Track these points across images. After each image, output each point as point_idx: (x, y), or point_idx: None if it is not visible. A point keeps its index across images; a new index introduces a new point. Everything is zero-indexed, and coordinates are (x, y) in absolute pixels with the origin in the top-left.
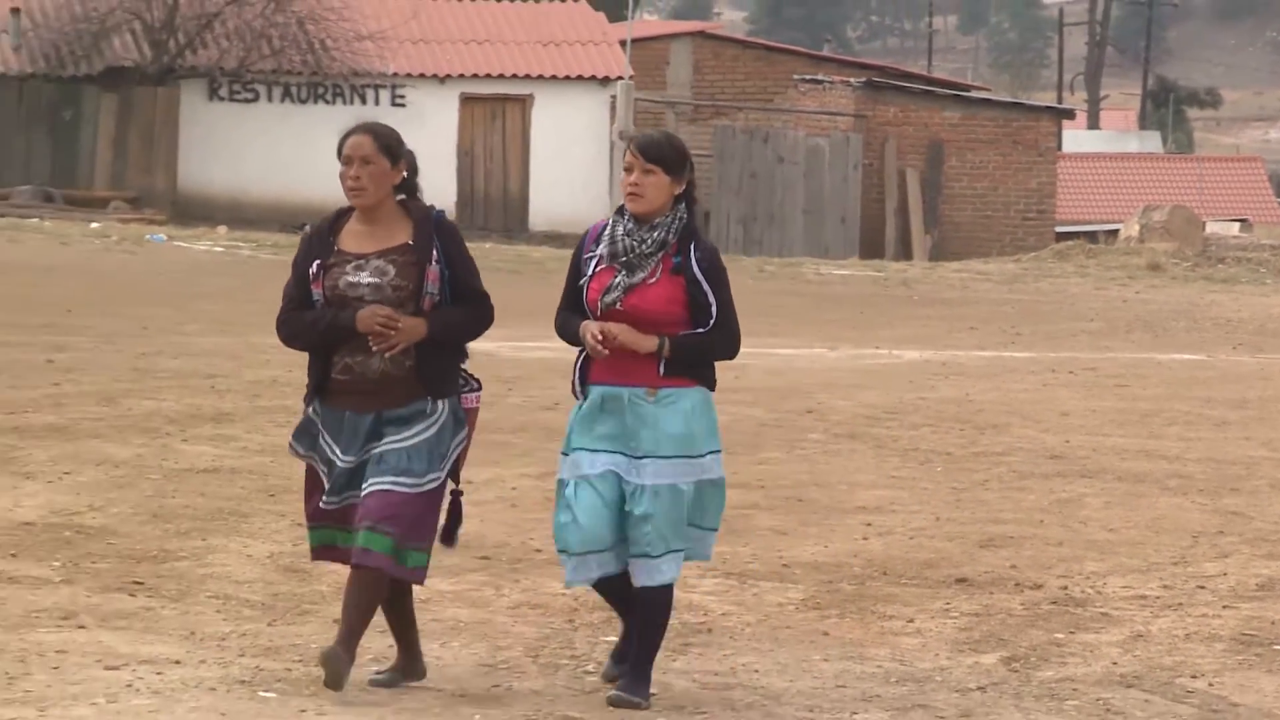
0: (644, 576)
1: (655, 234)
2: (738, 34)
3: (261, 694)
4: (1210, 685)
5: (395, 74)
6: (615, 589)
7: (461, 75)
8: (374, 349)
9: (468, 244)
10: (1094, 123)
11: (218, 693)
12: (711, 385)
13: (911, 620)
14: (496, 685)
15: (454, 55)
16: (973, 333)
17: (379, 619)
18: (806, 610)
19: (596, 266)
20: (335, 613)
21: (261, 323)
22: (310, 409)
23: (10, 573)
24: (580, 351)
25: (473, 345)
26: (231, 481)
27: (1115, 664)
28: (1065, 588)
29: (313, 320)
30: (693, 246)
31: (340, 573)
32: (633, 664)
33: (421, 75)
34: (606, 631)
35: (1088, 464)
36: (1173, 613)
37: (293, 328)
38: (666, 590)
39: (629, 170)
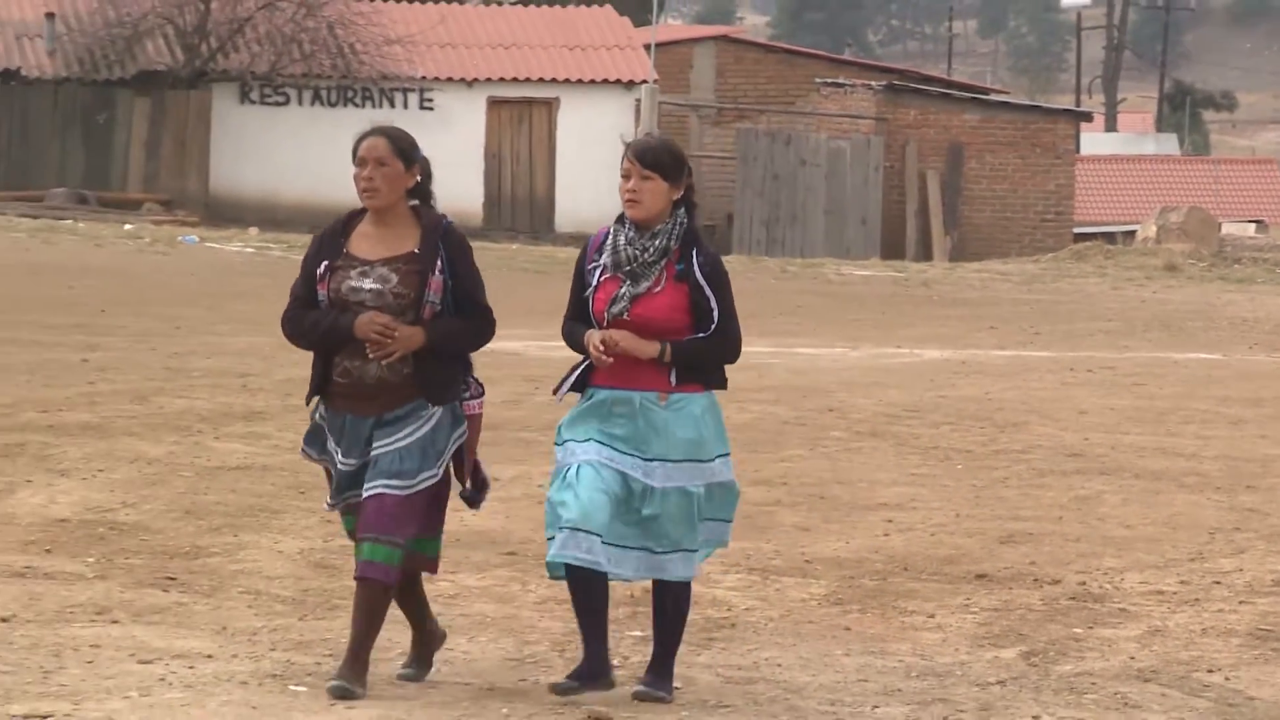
0: (656, 572)
1: (657, 241)
2: (760, 38)
3: (292, 688)
4: (1227, 679)
5: (423, 78)
6: (588, 592)
7: (489, 79)
8: (371, 356)
9: (495, 245)
10: (1111, 125)
11: (249, 686)
12: (722, 385)
13: (932, 615)
14: (523, 679)
15: (481, 59)
16: (992, 332)
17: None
18: (828, 605)
19: (601, 276)
20: None
21: None
22: (316, 414)
23: (45, 568)
24: (583, 358)
25: (499, 345)
26: (263, 479)
27: (1133, 658)
28: (1084, 583)
29: (314, 321)
30: (695, 252)
31: None
32: (656, 659)
33: (449, 79)
34: (631, 626)
35: (1106, 461)
36: (1189, 608)
37: (295, 326)
38: (684, 587)
39: (627, 177)
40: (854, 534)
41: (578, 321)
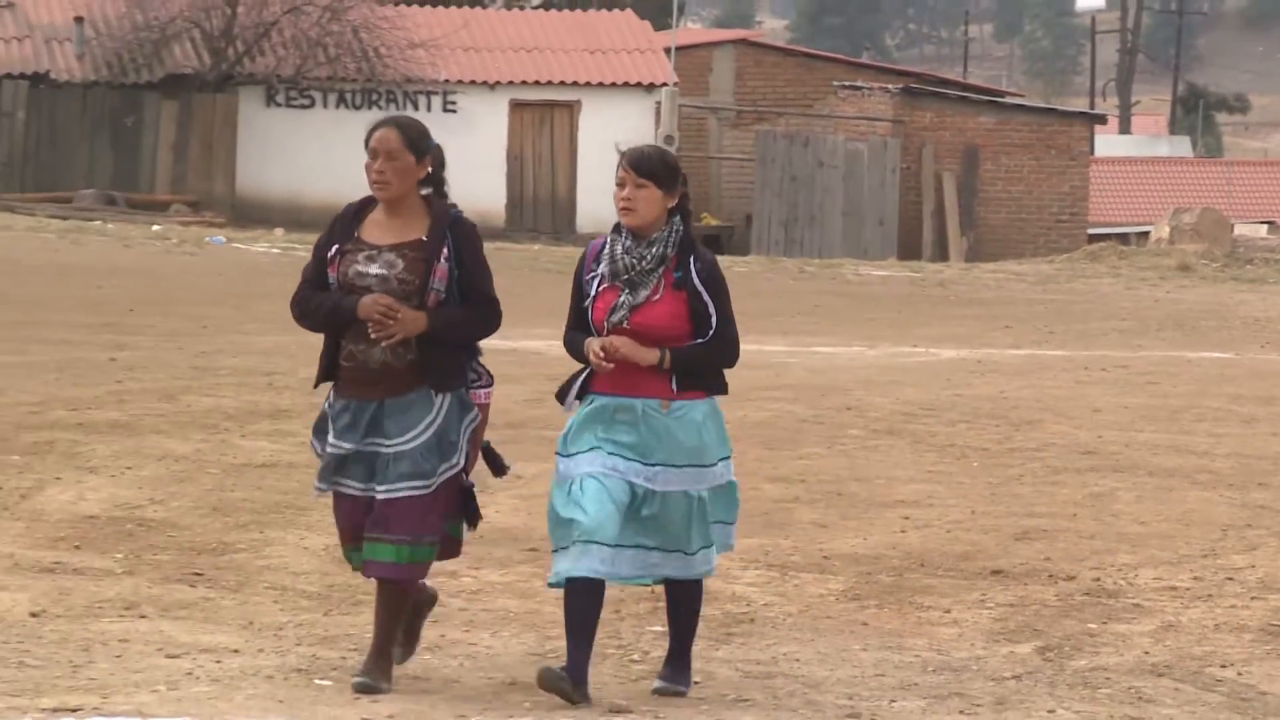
0: (653, 570)
1: (654, 249)
2: (779, 42)
3: (317, 682)
4: (1239, 674)
5: (447, 81)
6: (585, 603)
7: (511, 82)
8: (372, 337)
9: (517, 245)
10: (1125, 128)
11: (275, 680)
12: (723, 390)
13: (948, 611)
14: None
15: (504, 63)
16: (1008, 331)
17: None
18: (846, 601)
19: (599, 286)
20: None
21: None
22: (325, 403)
23: (75, 564)
24: (584, 366)
25: (523, 345)
26: (288, 476)
27: (1147, 653)
28: (1098, 579)
29: (319, 302)
30: (692, 259)
31: None
32: (672, 654)
33: (472, 82)
34: (652, 621)
35: (1120, 459)
36: (1202, 604)
37: (302, 307)
38: (694, 584)
39: (621, 185)
40: (871, 530)
41: (578, 331)
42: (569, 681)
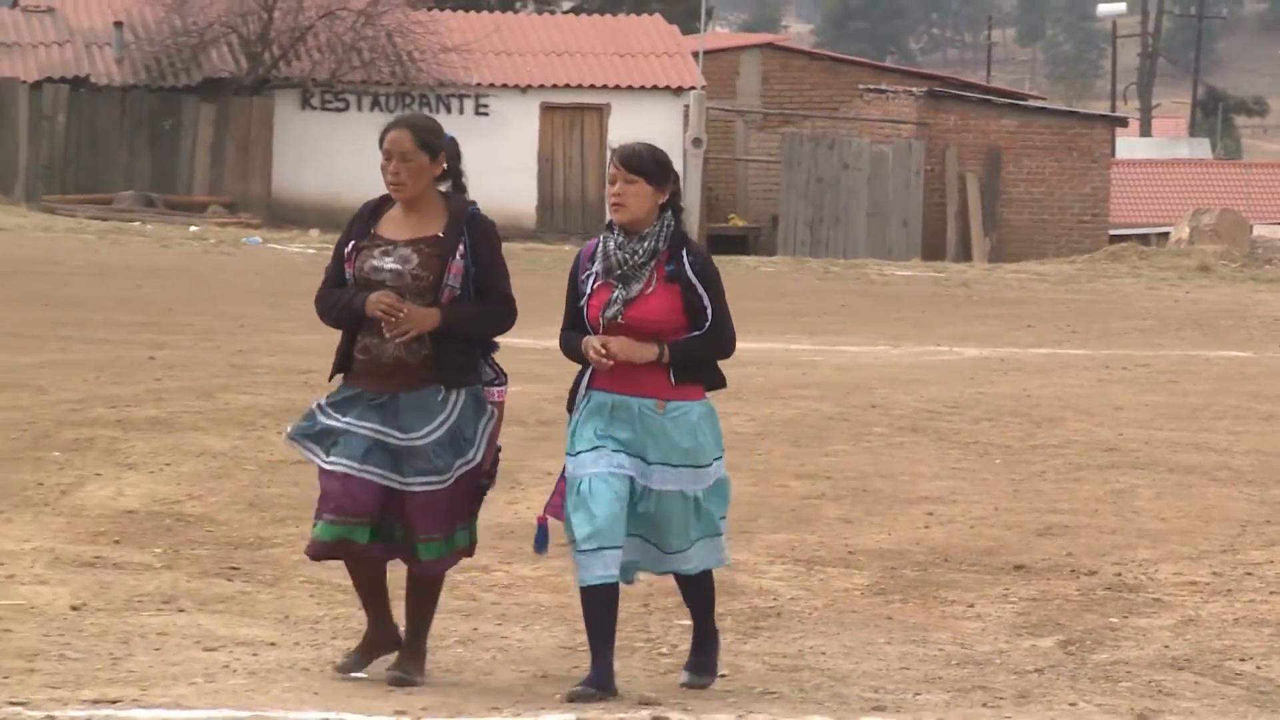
0: (654, 562)
1: (645, 244)
2: (805, 46)
3: (353, 675)
4: (1258, 668)
5: (479, 84)
6: (602, 605)
7: (542, 86)
8: (386, 335)
9: (548, 246)
10: (1146, 130)
11: (311, 673)
12: (721, 384)
13: (972, 605)
14: (576, 667)
15: (535, 66)
16: (1030, 331)
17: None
18: (871, 595)
19: (594, 284)
20: None
21: None
22: (320, 401)
23: (114, 559)
24: (583, 368)
25: (553, 343)
26: None
27: (1167, 647)
28: (1119, 574)
29: (335, 299)
30: (684, 252)
31: None
32: (694, 648)
33: (504, 85)
34: (680, 615)
35: (1140, 456)
36: (1222, 598)
37: (322, 304)
38: (704, 575)
39: (612, 182)
40: (896, 526)
41: (574, 331)
42: (592, 690)
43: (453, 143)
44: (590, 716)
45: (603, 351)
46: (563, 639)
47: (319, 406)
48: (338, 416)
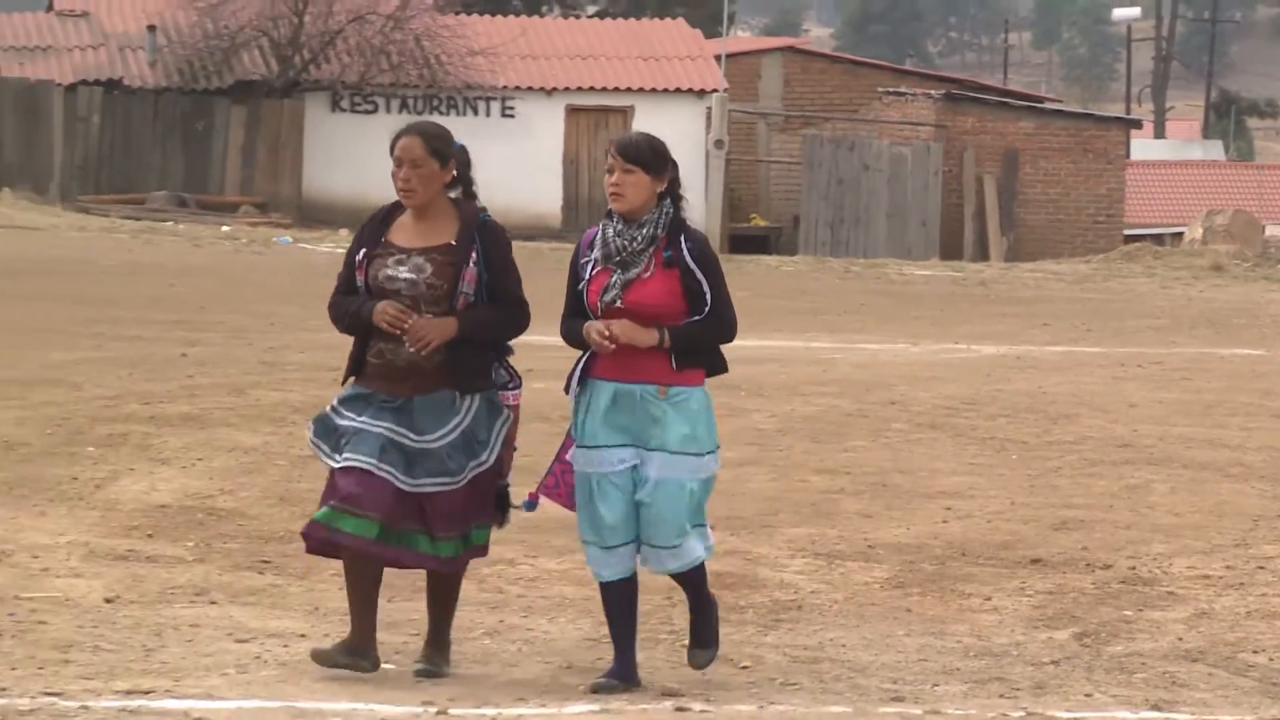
0: (656, 564)
1: (644, 230)
2: (825, 49)
3: (382, 665)
4: (1270, 660)
5: (505, 87)
6: (620, 600)
7: (567, 88)
8: (409, 348)
9: (572, 245)
10: (1160, 132)
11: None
12: (723, 369)
13: (989, 598)
14: (600, 658)
15: (560, 70)
16: (1046, 329)
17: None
18: (890, 589)
19: (593, 270)
20: None
21: None
22: (332, 403)
23: (147, 552)
24: (583, 353)
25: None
26: None
27: (1181, 640)
28: (1134, 568)
29: (346, 307)
30: (683, 238)
31: None
32: (691, 627)
33: (530, 88)
34: None
35: (1154, 452)
36: (1235, 592)
37: (334, 312)
38: (696, 571)
39: (610, 171)
40: (914, 521)
41: (575, 319)
42: (616, 681)
43: (463, 150)
44: (614, 707)
45: (605, 334)
46: (587, 631)
47: (333, 409)
48: (352, 416)
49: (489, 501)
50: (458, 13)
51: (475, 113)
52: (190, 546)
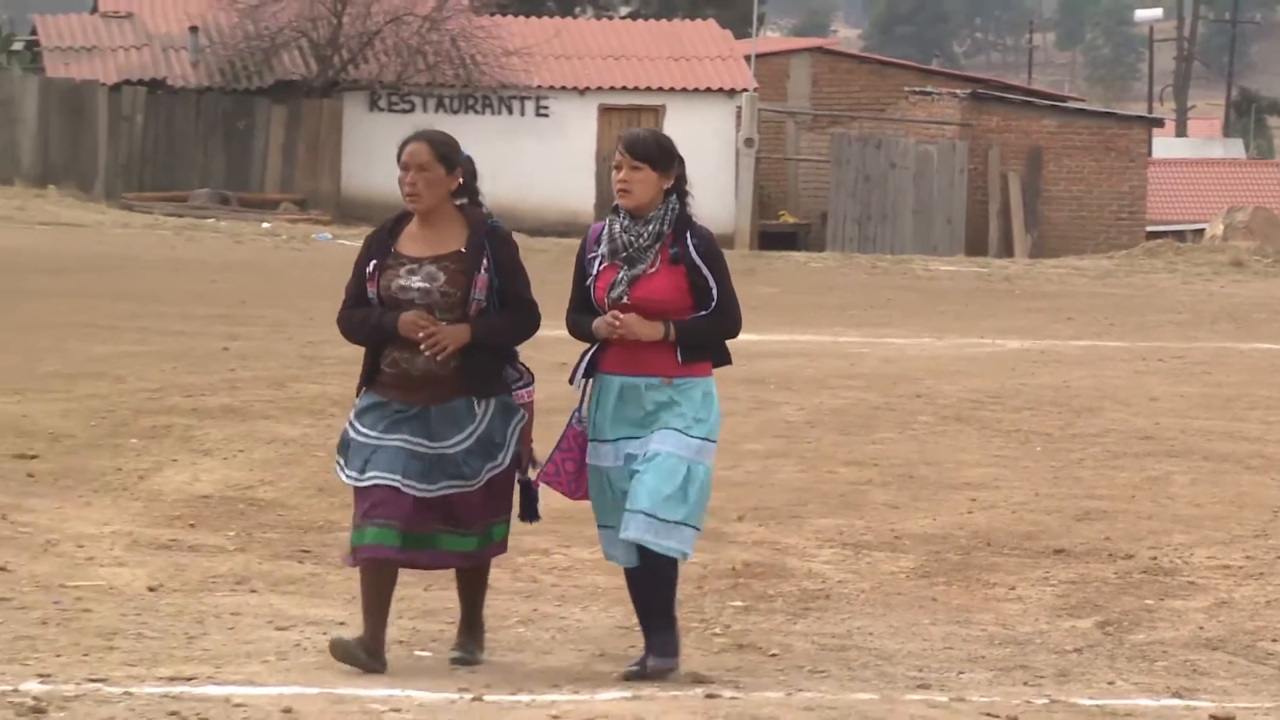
0: (634, 530)
1: (650, 227)
2: (853, 50)
3: (417, 652)
4: None
5: (539, 86)
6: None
7: (600, 88)
8: (426, 353)
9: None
10: (1182, 131)
11: None
12: (728, 361)
13: (1013, 588)
14: (632, 646)
15: (593, 69)
16: (1069, 324)
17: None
18: (916, 578)
19: (599, 266)
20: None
21: None
22: (351, 417)
23: (190, 542)
24: (589, 346)
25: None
26: None
27: (1201, 628)
28: (1155, 558)
29: (362, 319)
30: (689, 234)
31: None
32: (654, 633)
33: (563, 88)
34: (733, 597)
35: (1175, 444)
36: (1254, 581)
37: (347, 325)
38: (669, 566)
39: (618, 168)
40: (940, 511)
41: (581, 313)
42: (666, 668)
43: (469, 160)
44: (646, 694)
45: (616, 322)
46: (619, 619)
47: (351, 426)
48: (368, 433)
49: (507, 500)
50: (493, 14)
51: (510, 112)
52: (231, 536)
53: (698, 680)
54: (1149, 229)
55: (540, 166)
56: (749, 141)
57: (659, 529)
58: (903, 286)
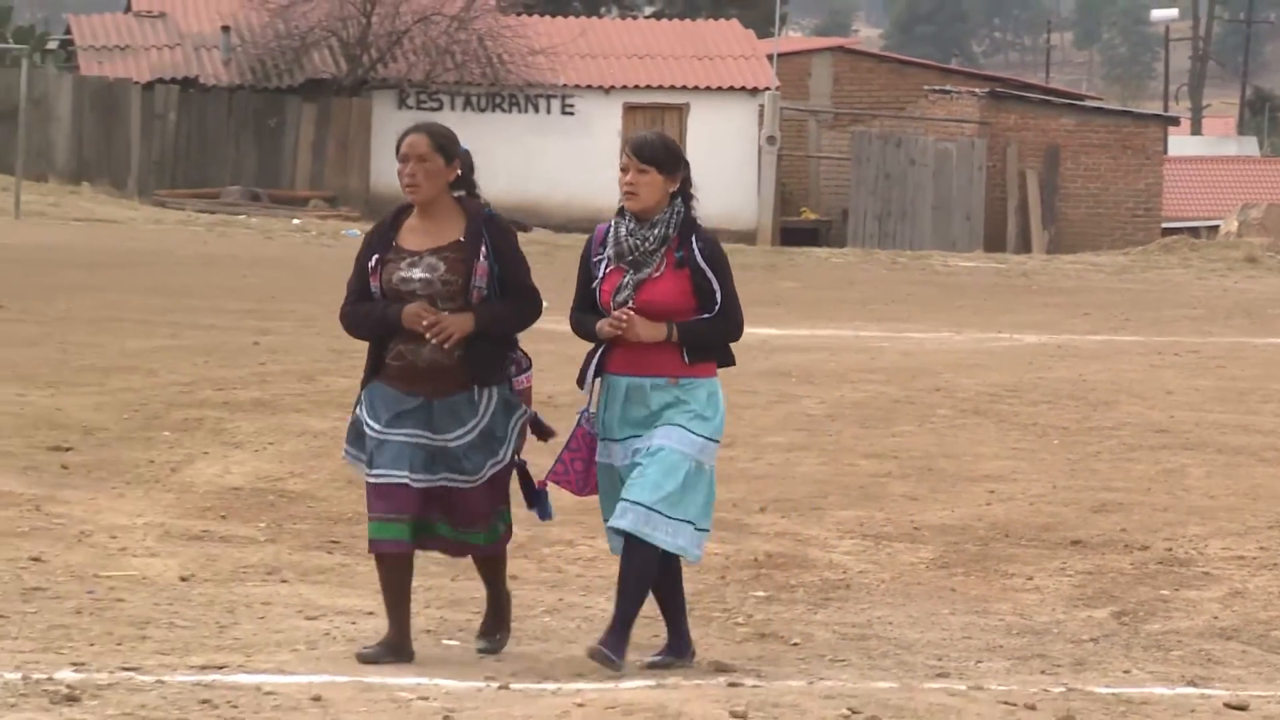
0: (620, 518)
1: (656, 230)
2: (874, 49)
3: (445, 641)
4: None
5: (565, 85)
6: (661, 578)
7: (624, 86)
8: (432, 341)
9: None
10: (1197, 129)
11: None
12: (731, 362)
13: (1031, 578)
14: (656, 635)
15: (618, 68)
16: (1086, 319)
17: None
18: (935, 569)
19: (605, 269)
20: (514, 569)
21: None
22: (357, 404)
23: (221, 533)
24: (594, 346)
25: None
26: None
27: (1216, 618)
28: (1170, 549)
29: (366, 313)
30: (694, 238)
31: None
32: (609, 633)
33: (588, 86)
34: (755, 587)
35: (1190, 437)
36: (1268, 572)
37: (351, 320)
38: (647, 553)
39: (625, 170)
40: (959, 503)
41: (585, 313)
42: (669, 658)
43: (468, 154)
44: (669, 682)
45: (623, 319)
46: (644, 609)
47: (359, 418)
48: (374, 426)
49: (506, 490)
50: (519, 13)
51: (536, 110)
52: (262, 527)
53: (720, 669)
54: (1164, 225)
55: (566, 164)
56: (771, 139)
57: (654, 521)
58: (922, 282)
